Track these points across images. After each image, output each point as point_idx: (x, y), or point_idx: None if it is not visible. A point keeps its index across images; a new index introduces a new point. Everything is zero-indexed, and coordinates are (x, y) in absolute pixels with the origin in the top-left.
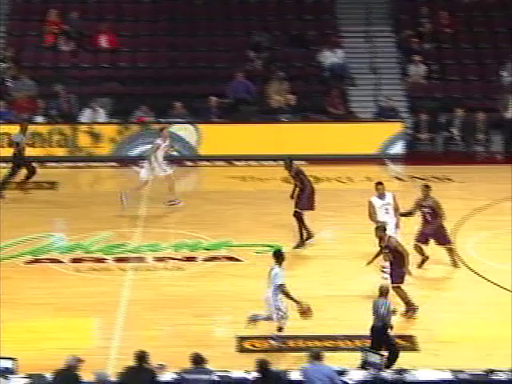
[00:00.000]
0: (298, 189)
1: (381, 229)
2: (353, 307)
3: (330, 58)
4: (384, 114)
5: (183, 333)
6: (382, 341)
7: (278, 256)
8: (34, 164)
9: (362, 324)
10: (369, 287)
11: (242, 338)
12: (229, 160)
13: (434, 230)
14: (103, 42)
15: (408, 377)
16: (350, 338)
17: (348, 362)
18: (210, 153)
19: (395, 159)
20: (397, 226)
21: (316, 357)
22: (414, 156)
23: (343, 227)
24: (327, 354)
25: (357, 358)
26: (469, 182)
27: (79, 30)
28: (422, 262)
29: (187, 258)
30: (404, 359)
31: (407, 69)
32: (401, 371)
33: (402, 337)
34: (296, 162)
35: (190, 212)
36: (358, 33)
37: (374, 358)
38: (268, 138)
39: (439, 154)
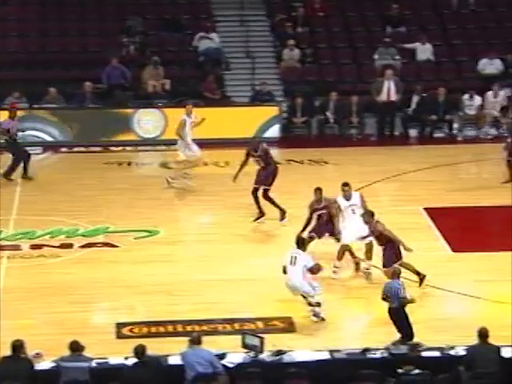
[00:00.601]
0: (259, 167)
1: (368, 214)
2: (232, 291)
3: (205, 42)
4: (259, 98)
5: (60, 320)
6: (403, 320)
7: (301, 243)
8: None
9: (241, 307)
10: (248, 271)
11: (121, 325)
12: (105, 146)
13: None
14: None
15: (286, 358)
16: (229, 321)
17: (227, 345)
18: (85, 139)
19: (271, 143)
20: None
21: (195, 341)
22: (289, 139)
23: (222, 211)
24: (206, 338)
25: (236, 341)
26: (343, 165)
27: None
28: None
29: (64, 244)
30: (282, 341)
31: (281, 53)
32: (278, 353)
33: (279, 318)
34: (172, 147)
35: (66, 198)
36: (232, 17)
37: (254, 340)
38: (144, 123)
39: (314, 138)
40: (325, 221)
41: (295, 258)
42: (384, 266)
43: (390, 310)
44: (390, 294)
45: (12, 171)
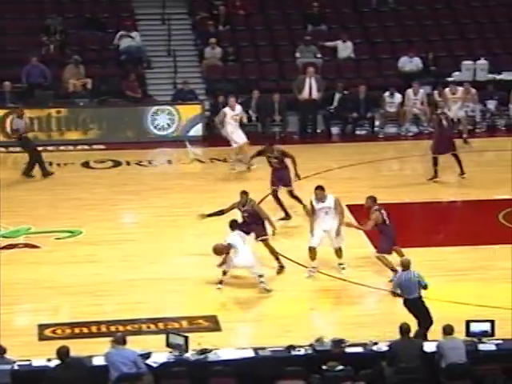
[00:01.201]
0: (272, 168)
1: (372, 199)
2: (156, 290)
3: (126, 41)
4: (182, 97)
5: None
6: (425, 308)
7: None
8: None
9: (166, 306)
10: (172, 270)
11: (43, 326)
12: None
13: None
14: None
15: (210, 356)
16: (154, 320)
17: (152, 345)
18: (5, 139)
19: (194, 141)
20: (337, 232)
21: (119, 341)
22: (212, 138)
23: (145, 210)
24: (131, 338)
25: (161, 340)
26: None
27: None
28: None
29: None
30: (206, 339)
31: (203, 51)
32: (203, 351)
33: (204, 317)
34: (95, 147)
35: None
36: (153, 15)
37: (178, 339)
38: (66, 123)
39: None
40: (250, 221)
41: (244, 238)
42: (379, 252)
43: (408, 302)
44: (408, 285)
45: (31, 168)
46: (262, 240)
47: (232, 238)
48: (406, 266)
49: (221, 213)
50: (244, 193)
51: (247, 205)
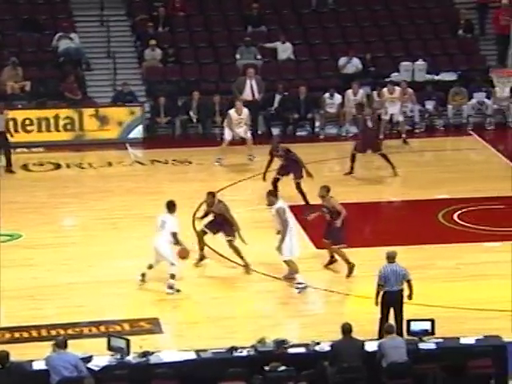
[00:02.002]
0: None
1: (325, 189)
2: (97, 293)
3: (65, 42)
4: (122, 99)
5: None
6: (401, 305)
7: (170, 206)
8: None
9: (107, 309)
10: (113, 272)
11: None
12: None
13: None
14: None
15: (152, 359)
16: (95, 324)
17: (93, 348)
18: None
19: (135, 143)
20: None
21: (60, 345)
22: (153, 140)
23: (85, 213)
24: (72, 342)
25: (102, 343)
26: (208, 164)
27: None
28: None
29: None
30: (148, 341)
31: (143, 53)
32: (145, 354)
33: (145, 320)
34: (34, 149)
35: None
36: (92, 17)
37: (120, 342)
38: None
39: (178, 138)
40: (221, 221)
41: (164, 222)
42: (334, 243)
43: (391, 294)
44: (392, 277)
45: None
46: (227, 240)
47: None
48: (391, 258)
49: (207, 214)
50: (210, 193)
51: (215, 206)
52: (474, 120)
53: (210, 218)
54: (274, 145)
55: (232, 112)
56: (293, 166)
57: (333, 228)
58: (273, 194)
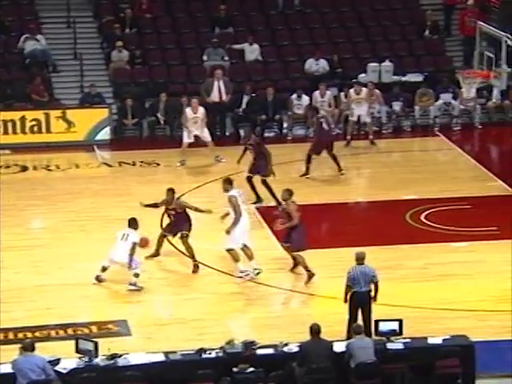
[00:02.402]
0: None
1: (287, 192)
2: (65, 296)
3: (31, 44)
4: (89, 101)
5: None
6: (369, 306)
7: (133, 222)
8: None
9: (75, 312)
10: (81, 275)
11: None
12: None
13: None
14: None
15: (120, 361)
16: (63, 326)
17: (61, 351)
18: None
19: (102, 145)
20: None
21: (27, 348)
22: (121, 141)
23: (53, 215)
24: (39, 345)
25: (70, 346)
26: (175, 166)
27: None
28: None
29: None
30: (116, 344)
31: (110, 54)
32: (113, 356)
33: (114, 322)
34: (1, 152)
35: None
36: (58, 18)
37: (88, 345)
38: None
39: (146, 139)
40: (178, 220)
41: (127, 235)
42: (292, 249)
43: (360, 295)
44: (361, 278)
45: None
46: (181, 236)
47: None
48: (360, 259)
49: (155, 205)
50: (170, 190)
51: (174, 203)
52: (440, 121)
53: (167, 220)
54: (246, 133)
55: (188, 110)
56: (260, 163)
57: (293, 232)
58: (228, 182)
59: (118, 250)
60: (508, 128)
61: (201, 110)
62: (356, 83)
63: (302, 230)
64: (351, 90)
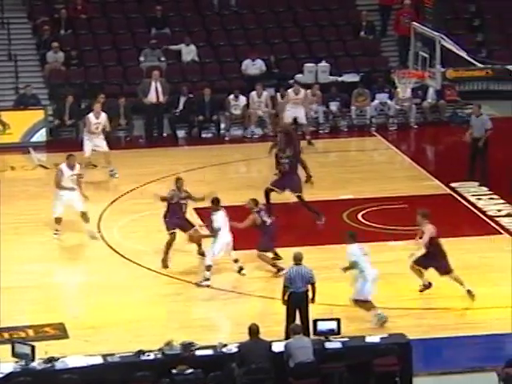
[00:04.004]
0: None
1: (254, 201)
2: (1, 299)
3: None
4: (24, 102)
5: None
6: (306, 305)
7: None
8: None
9: (11, 315)
10: (16, 277)
11: None
12: None
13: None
14: None
15: (58, 365)
16: None
17: None
18: None
19: (38, 147)
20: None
21: None
22: (57, 143)
23: None
24: None
25: (6, 350)
26: (114, 167)
27: None
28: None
29: None
30: (54, 347)
31: (45, 56)
32: (50, 360)
33: (51, 325)
34: None
35: None
36: None
37: (24, 348)
38: None
39: (82, 141)
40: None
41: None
42: (259, 250)
43: (297, 295)
44: (298, 279)
45: None
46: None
47: None
48: (298, 259)
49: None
50: (178, 179)
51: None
52: (376, 121)
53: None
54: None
55: (91, 116)
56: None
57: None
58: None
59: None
60: (443, 127)
61: (103, 116)
62: (296, 83)
63: (269, 232)
64: (290, 90)
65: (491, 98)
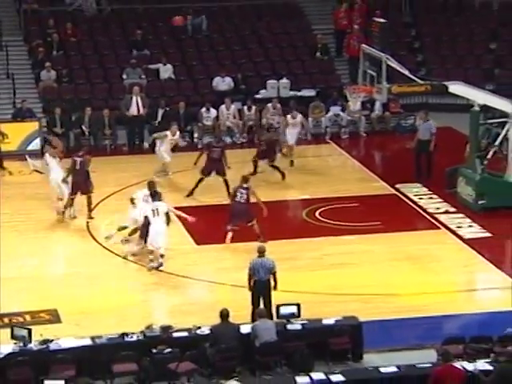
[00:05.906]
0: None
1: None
2: (1, 289)
3: None
4: (21, 115)
5: None
6: (269, 292)
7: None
8: None
9: (11, 303)
10: (15, 270)
11: None
12: None
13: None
14: None
15: (52, 346)
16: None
17: None
18: None
19: (34, 154)
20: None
21: None
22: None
23: None
24: None
25: (6, 333)
26: (100, 172)
27: None
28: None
29: None
30: (48, 331)
31: (39, 74)
32: (45, 341)
33: (45, 311)
34: None
35: None
36: None
37: (22, 332)
38: None
39: (72, 149)
40: None
41: (157, 209)
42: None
43: (261, 283)
44: (261, 269)
45: None
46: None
47: None
48: (261, 252)
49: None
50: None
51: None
52: (331, 130)
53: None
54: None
55: (168, 133)
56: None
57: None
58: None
59: (157, 226)
60: (389, 136)
61: (178, 134)
62: (293, 110)
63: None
64: (288, 116)
65: (430, 110)
